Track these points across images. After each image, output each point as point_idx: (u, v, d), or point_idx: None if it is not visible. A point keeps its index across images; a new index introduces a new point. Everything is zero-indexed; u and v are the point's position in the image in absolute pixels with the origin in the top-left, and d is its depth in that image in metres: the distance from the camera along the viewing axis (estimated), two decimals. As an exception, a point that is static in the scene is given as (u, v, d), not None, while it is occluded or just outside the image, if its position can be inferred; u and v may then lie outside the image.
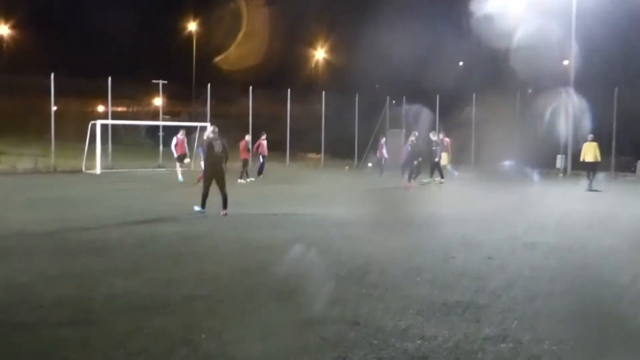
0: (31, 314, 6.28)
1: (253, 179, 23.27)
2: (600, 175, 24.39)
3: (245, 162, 23.60)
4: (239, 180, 22.62)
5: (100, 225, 12.17)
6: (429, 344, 5.63)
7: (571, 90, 32.33)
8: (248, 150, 24.11)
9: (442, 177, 23.72)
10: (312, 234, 11.42)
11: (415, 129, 27.45)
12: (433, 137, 24.45)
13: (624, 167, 29.29)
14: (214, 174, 13.61)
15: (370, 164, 34.26)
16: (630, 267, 9.08)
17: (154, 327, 5.94)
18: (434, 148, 23.85)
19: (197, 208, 13.68)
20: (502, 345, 5.65)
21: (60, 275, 7.90)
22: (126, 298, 6.91)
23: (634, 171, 29.39)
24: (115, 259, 8.99)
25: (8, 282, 7.52)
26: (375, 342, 5.66)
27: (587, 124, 30.09)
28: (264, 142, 24.62)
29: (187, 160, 23.58)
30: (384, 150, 28.76)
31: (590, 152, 22.22)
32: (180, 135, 23.13)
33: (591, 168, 22.40)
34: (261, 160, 24.57)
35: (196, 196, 14.17)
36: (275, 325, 6.09)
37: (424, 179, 23.66)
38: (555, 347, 5.63)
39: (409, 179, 22.65)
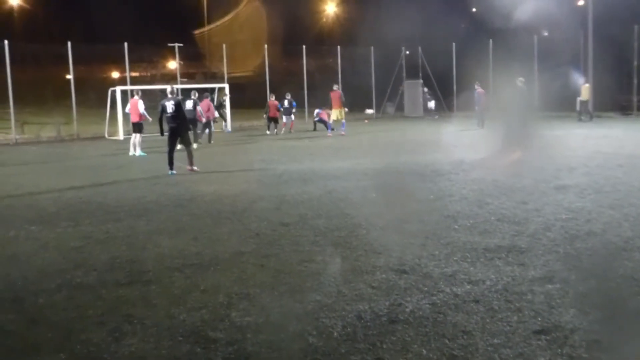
0: (88, 276, 6.49)
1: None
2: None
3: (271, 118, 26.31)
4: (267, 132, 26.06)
5: (134, 188, 12.37)
6: (478, 288, 5.77)
7: (588, 30, 31.85)
8: (277, 109, 26.45)
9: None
10: (343, 187, 11.54)
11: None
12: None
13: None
14: None
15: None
16: (665, 205, 9.13)
17: (208, 283, 6.13)
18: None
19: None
20: (550, 285, 5.77)
21: (108, 238, 8.10)
22: (175, 257, 7.10)
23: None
24: (156, 220, 9.18)
25: (60, 247, 7.74)
26: (426, 288, 5.81)
27: (605, 64, 29.93)
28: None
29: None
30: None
31: (586, 92, 29.10)
32: (137, 96, 19.42)
33: (586, 105, 29.25)
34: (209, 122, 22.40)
35: (228, 158, 14.27)
36: (325, 277, 6.24)
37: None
38: (602, 285, 5.76)
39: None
